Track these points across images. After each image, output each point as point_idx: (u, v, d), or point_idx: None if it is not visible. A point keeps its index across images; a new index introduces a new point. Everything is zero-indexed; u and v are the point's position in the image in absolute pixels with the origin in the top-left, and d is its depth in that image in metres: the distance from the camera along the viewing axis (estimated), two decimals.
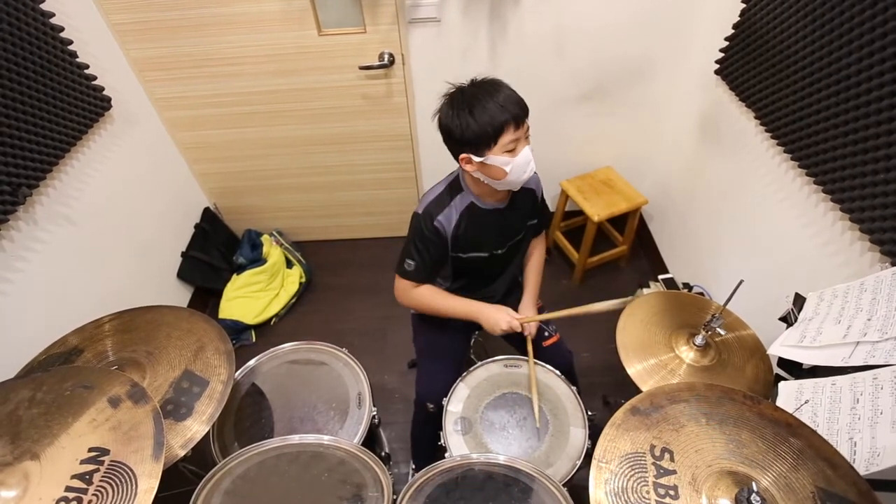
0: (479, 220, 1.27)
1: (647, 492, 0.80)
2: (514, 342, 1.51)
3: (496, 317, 1.29)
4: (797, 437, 0.85)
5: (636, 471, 0.83)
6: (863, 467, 0.80)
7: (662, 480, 0.81)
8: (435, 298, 1.35)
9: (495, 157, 1.11)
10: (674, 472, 0.82)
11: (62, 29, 1.53)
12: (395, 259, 1.32)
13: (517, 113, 1.09)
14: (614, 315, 1.33)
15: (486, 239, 1.31)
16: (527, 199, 1.36)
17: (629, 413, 0.91)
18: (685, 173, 2.11)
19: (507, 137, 1.09)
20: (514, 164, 1.12)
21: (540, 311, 1.49)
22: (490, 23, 1.83)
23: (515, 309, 1.39)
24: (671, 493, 0.80)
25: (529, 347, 1.36)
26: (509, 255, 1.39)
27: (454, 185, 1.27)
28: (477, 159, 1.13)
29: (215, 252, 2.34)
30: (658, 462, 0.84)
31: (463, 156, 1.15)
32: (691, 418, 0.90)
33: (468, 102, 1.09)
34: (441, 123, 1.16)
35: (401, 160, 2.26)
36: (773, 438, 0.86)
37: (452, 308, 1.34)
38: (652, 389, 0.96)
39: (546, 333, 1.47)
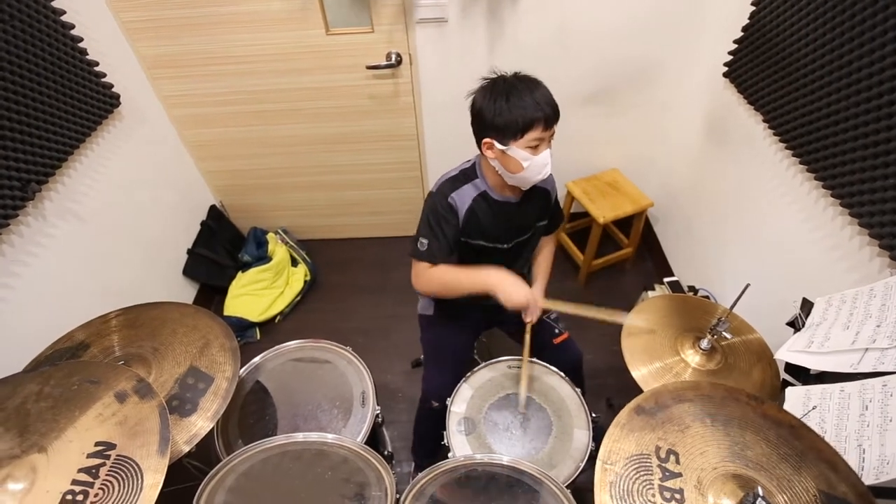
0: (490, 209, 1.27)
1: (653, 495, 0.80)
2: (514, 334, 1.48)
3: (512, 288, 1.19)
4: (799, 439, 0.85)
5: (641, 473, 0.82)
6: (872, 476, 0.80)
7: (668, 483, 0.81)
8: (454, 274, 1.25)
9: (517, 150, 1.12)
10: (679, 475, 0.82)
11: (73, 26, 1.54)
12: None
13: (550, 114, 1.12)
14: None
15: (493, 229, 1.29)
16: (540, 199, 1.35)
17: (634, 412, 0.91)
18: (692, 176, 2.10)
19: (534, 134, 1.11)
20: (532, 161, 1.14)
21: None
22: (497, 23, 1.83)
23: None
24: (677, 496, 0.79)
25: (527, 337, 1.32)
26: (514, 254, 1.38)
27: (468, 172, 1.28)
28: (499, 146, 1.14)
29: (221, 249, 2.35)
30: (664, 464, 0.83)
31: (486, 140, 1.16)
32: (696, 419, 0.89)
33: (507, 90, 1.11)
34: (474, 104, 1.17)
35: (407, 160, 2.26)
36: (776, 440, 0.85)
37: (471, 280, 1.23)
38: (656, 388, 0.95)
39: (556, 331, 1.47)
